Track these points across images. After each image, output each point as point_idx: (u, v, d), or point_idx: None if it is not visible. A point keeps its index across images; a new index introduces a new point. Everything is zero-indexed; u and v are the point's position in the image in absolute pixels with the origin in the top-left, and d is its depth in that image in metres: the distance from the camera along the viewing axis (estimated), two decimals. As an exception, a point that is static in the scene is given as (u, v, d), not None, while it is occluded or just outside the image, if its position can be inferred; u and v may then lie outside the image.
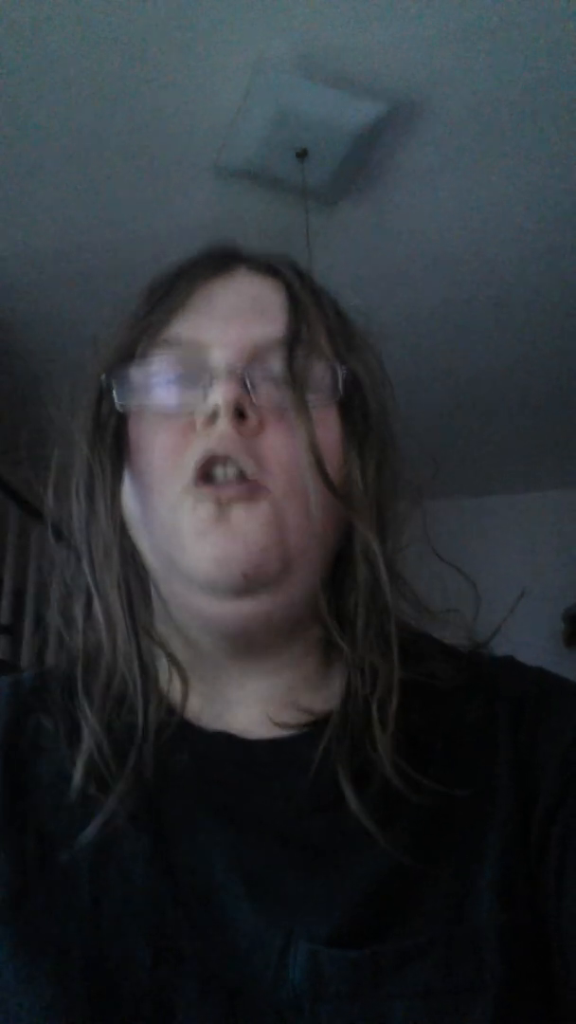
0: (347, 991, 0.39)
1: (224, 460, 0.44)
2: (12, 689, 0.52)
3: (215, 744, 0.47)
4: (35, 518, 2.87)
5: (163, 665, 0.48)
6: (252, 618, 0.45)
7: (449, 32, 1.84)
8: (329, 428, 0.47)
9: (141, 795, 0.45)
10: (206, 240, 0.54)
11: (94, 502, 0.47)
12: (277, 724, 0.46)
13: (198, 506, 0.44)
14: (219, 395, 0.44)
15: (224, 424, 0.44)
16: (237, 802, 0.45)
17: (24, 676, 0.53)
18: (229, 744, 0.47)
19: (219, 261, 0.51)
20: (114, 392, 0.47)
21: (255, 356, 0.46)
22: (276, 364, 0.46)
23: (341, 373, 0.47)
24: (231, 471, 0.44)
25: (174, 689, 0.48)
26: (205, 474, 0.44)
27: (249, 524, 0.43)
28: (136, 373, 0.47)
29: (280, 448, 0.45)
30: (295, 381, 0.45)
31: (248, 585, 0.43)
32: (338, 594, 0.48)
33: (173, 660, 0.47)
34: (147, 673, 0.46)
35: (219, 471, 0.44)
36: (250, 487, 0.44)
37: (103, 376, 0.48)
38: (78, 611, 0.49)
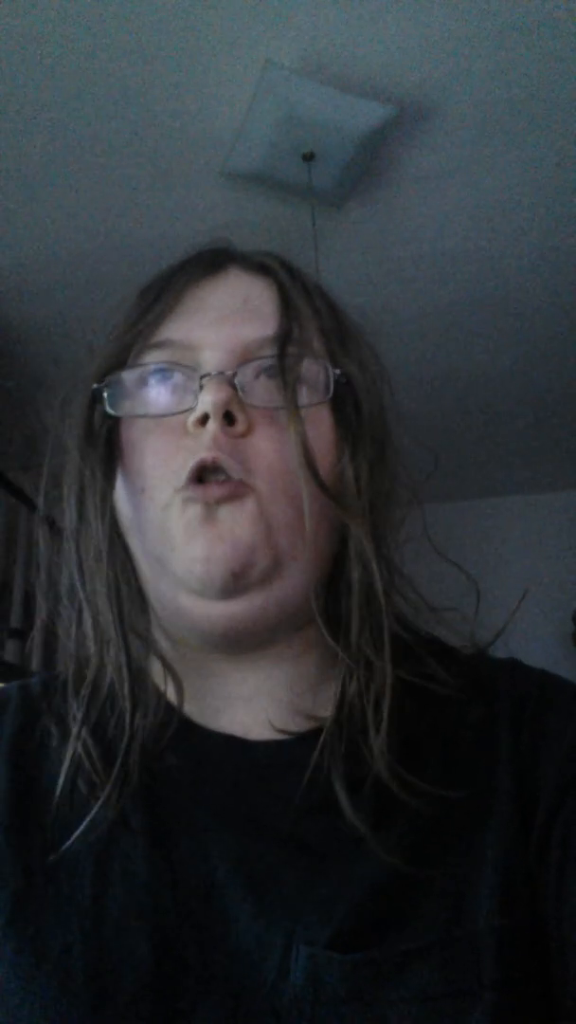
0: (347, 994, 0.39)
1: (214, 465, 0.44)
2: (21, 694, 0.52)
3: (216, 745, 0.47)
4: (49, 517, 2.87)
5: (158, 665, 0.48)
6: (242, 619, 0.45)
7: (455, 35, 1.84)
8: (321, 428, 0.46)
9: (140, 796, 0.45)
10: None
11: (85, 508, 0.47)
12: (278, 730, 0.46)
13: (187, 508, 0.44)
14: (208, 398, 0.44)
15: (213, 427, 0.44)
16: (237, 803, 0.45)
17: (33, 681, 0.53)
18: (229, 745, 0.47)
19: (210, 261, 0.51)
20: (106, 399, 0.47)
21: (246, 357, 0.46)
22: (266, 363, 0.46)
23: (332, 372, 0.47)
24: (220, 476, 0.44)
25: (171, 688, 0.47)
26: (196, 478, 0.44)
27: (235, 522, 0.43)
28: (128, 377, 0.47)
29: (268, 449, 0.45)
30: (285, 381, 0.45)
31: (237, 584, 0.43)
32: (334, 596, 0.48)
33: (164, 662, 0.47)
34: (137, 676, 0.46)
35: (209, 476, 0.44)
36: (234, 486, 0.44)
37: (95, 384, 0.48)
38: (70, 615, 0.49)
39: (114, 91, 1.97)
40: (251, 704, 0.48)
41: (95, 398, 0.48)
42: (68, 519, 0.49)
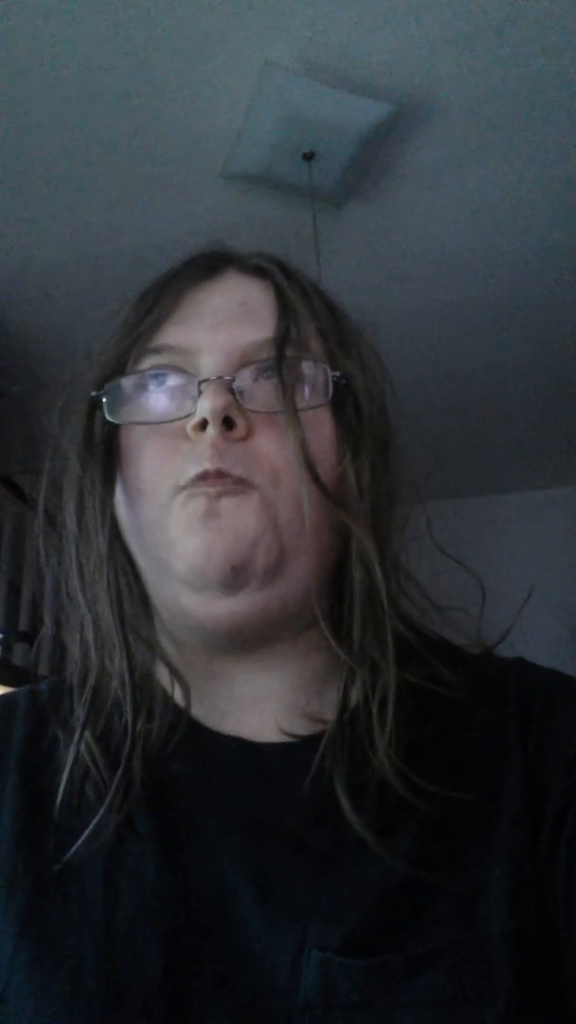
0: (358, 999, 0.39)
1: (215, 475, 0.44)
2: (30, 700, 0.52)
3: (223, 747, 0.47)
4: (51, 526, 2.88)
5: (165, 668, 0.48)
6: (244, 616, 0.44)
7: (454, 32, 1.84)
8: (321, 430, 0.46)
9: (149, 801, 0.45)
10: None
11: (85, 515, 0.47)
12: (286, 734, 0.46)
13: (189, 502, 0.44)
14: (207, 404, 0.44)
15: (212, 433, 0.44)
16: (247, 807, 0.45)
17: (41, 686, 0.53)
18: (237, 748, 0.47)
19: (207, 265, 0.51)
20: (105, 406, 0.47)
21: (244, 360, 0.46)
22: (265, 368, 0.46)
23: (331, 374, 0.47)
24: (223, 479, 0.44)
25: (179, 691, 0.47)
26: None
27: (238, 516, 0.43)
28: (126, 384, 0.47)
29: (269, 451, 0.45)
30: (284, 384, 0.45)
31: (237, 579, 0.43)
32: (338, 598, 0.47)
33: (170, 666, 0.47)
34: (140, 681, 0.46)
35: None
36: (235, 482, 0.44)
37: (93, 391, 0.48)
38: (74, 621, 0.49)
39: (113, 93, 1.97)
40: (258, 707, 0.48)
41: (94, 405, 0.48)
42: (68, 526, 0.48)
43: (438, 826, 0.43)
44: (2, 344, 2.78)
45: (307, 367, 0.46)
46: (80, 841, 0.43)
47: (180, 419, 0.45)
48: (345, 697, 0.45)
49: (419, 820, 0.43)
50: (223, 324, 0.47)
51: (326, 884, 0.42)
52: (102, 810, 0.43)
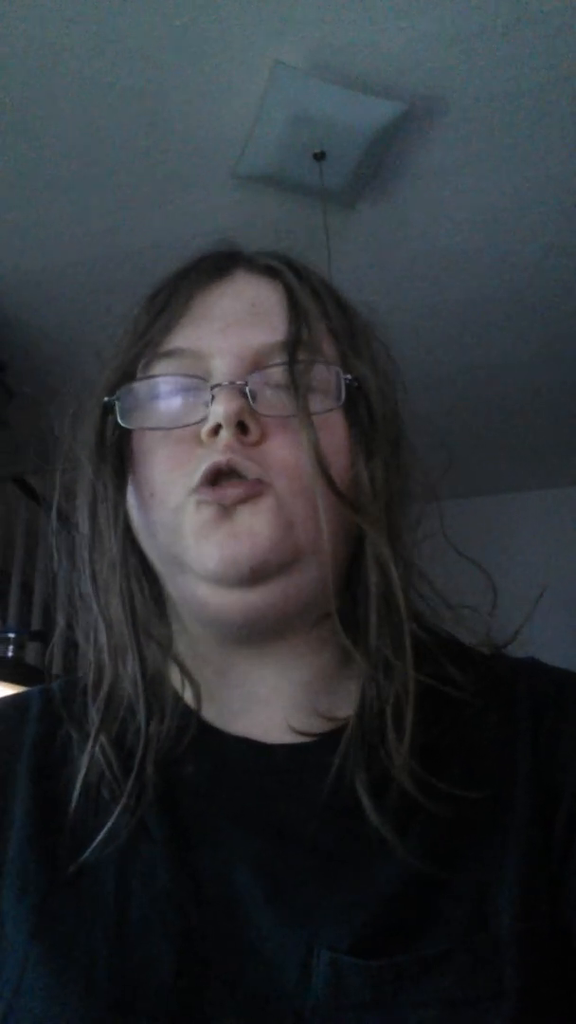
0: (368, 1000, 0.39)
1: (228, 468, 0.44)
2: (42, 699, 0.52)
3: (234, 748, 0.47)
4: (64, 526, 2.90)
5: (176, 668, 0.48)
6: (260, 607, 0.44)
7: (464, 30, 1.83)
8: (334, 432, 0.46)
9: (160, 802, 0.45)
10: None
11: (98, 519, 0.47)
12: (298, 732, 0.46)
13: (200, 509, 0.44)
14: (220, 409, 0.44)
15: (226, 437, 0.44)
16: (257, 807, 0.45)
17: (54, 686, 0.53)
18: (248, 748, 0.47)
19: (216, 265, 0.51)
20: (117, 411, 0.47)
21: (256, 363, 0.46)
22: (277, 370, 0.46)
23: (344, 377, 0.47)
24: (235, 479, 0.44)
25: (189, 692, 0.48)
26: (210, 482, 0.44)
27: (255, 521, 0.43)
28: (138, 389, 0.47)
29: (284, 456, 0.44)
30: (296, 387, 0.45)
31: (255, 576, 0.43)
32: (352, 598, 0.47)
33: (182, 667, 0.47)
34: (153, 684, 0.46)
35: (223, 479, 0.44)
36: (251, 485, 0.43)
37: (105, 396, 0.48)
38: (87, 623, 0.49)
39: (123, 96, 1.97)
40: (269, 706, 0.48)
41: (106, 410, 0.48)
42: (81, 530, 0.49)
43: (449, 826, 0.43)
44: (14, 345, 2.80)
45: (319, 371, 0.46)
46: (95, 843, 0.43)
47: (193, 424, 0.45)
48: (363, 697, 0.45)
49: (431, 821, 0.43)
50: (233, 327, 0.47)
51: (336, 884, 0.42)
52: (116, 813, 0.44)
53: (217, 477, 0.44)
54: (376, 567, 0.46)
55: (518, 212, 2.34)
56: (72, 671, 0.53)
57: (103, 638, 0.47)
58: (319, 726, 0.46)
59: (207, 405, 0.45)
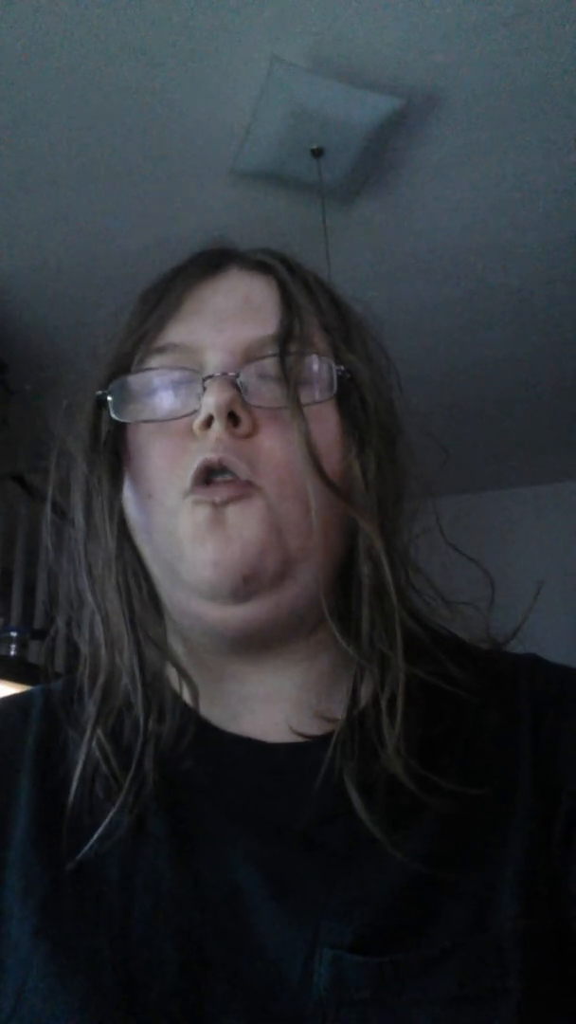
0: (370, 997, 0.39)
1: (220, 466, 0.44)
2: (43, 698, 0.52)
3: (234, 748, 0.47)
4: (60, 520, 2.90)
5: (174, 668, 0.48)
6: (255, 621, 0.44)
7: (462, 25, 1.83)
8: (326, 425, 0.46)
9: (161, 801, 0.45)
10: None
11: (93, 515, 0.47)
12: (296, 733, 0.46)
13: (195, 510, 0.44)
14: (211, 400, 0.44)
15: (218, 429, 0.44)
16: (257, 806, 0.45)
17: (55, 685, 0.53)
18: (248, 748, 0.47)
19: (210, 262, 0.51)
20: (111, 405, 0.47)
21: (248, 357, 0.46)
22: (269, 362, 0.46)
23: (336, 369, 0.47)
24: (227, 476, 0.44)
25: (187, 692, 0.48)
26: (203, 479, 0.44)
27: (244, 523, 0.43)
28: (132, 383, 0.47)
29: (274, 448, 0.45)
30: (288, 380, 0.45)
31: (248, 588, 0.43)
32: (345, 593, 0.47)
33: (178, 667, 0.47)
34: (151, 680, 0.46)
35: (216, 477, 0.44)
36: (241, 486, 0.44)
37: (99, 390, 0.48)
38: (84, 619, 0.49)
39: (120, 92, 1.97)
40: (268, 706, 0.48)
41: (100, 404, 0.48)
42: (76, 526, 0.49)
43: (450, 824, 0.43)
44: (13, 342, 2.79)
45: (311, 362, 0.46)
46: (92, 841, 0.44)
47: (186, 416, 0.46)
48: (354, 694, 0.45)
49: (431, 818, 0.43)
50: (227, 321, 0.47)
51: (338, 883, 0.42)
52: (114, 809, 0.44)
53: (209, 475, 0.44)
54: (368, 559, 0.46)
55: (517, 207, 2.34)
56: (74, 670, 0.53)
57: (99, 631, 0.47)
58: (320, 727, 0.46)
59: (199, 397, 0.45)
